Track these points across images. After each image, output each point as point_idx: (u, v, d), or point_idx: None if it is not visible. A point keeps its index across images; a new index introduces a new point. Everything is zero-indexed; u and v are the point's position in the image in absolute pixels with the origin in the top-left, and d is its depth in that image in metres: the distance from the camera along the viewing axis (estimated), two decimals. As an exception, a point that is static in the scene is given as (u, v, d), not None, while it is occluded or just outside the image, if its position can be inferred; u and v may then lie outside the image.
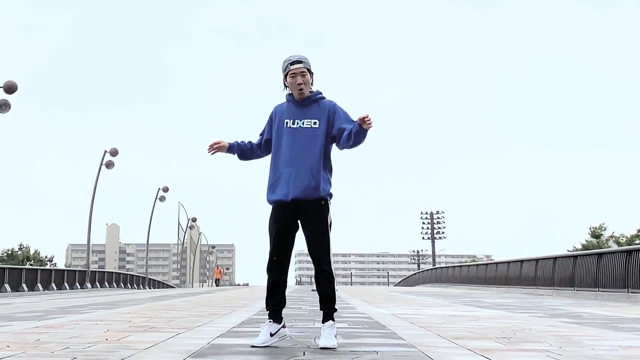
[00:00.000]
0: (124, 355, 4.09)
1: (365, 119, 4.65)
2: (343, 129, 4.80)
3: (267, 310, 4.80)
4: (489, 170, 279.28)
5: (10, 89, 21.94)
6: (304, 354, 4.29)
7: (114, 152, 33.77)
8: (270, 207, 4.86)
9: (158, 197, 48.16)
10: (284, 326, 4.80)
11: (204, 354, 4.28)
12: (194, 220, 61.11)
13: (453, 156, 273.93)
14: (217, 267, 60.23)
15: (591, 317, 8.92)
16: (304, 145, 4.76)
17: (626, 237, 49.90)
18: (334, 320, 4.76)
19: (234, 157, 5.05)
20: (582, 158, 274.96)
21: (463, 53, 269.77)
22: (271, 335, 4.70)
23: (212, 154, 4.96)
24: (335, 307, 4.81)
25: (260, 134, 5.05)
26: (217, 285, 54.80)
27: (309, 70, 4.86)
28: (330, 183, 4.85)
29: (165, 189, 48.25)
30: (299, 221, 4.79)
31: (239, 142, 5.02)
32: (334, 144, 4.90)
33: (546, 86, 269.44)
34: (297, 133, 4.80)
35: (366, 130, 4.71)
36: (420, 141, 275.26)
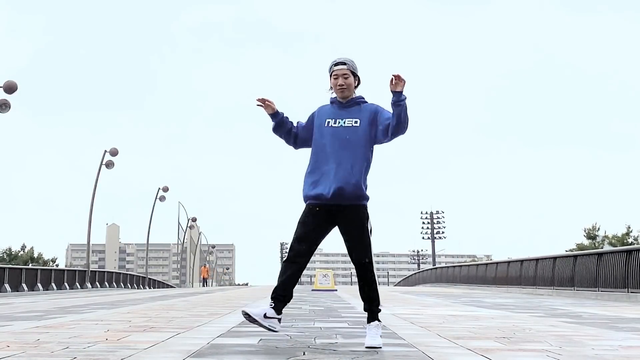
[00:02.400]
0: (124, 355, 4.09)
1: (395, 75, 4.67)
2: (387, 120, 4.81)
3: (271, 297, 4.75)
4: (488, 171, 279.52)
5: (10, 88, 21.94)
6: (304, 354, 4.29)
7: (114, 152, 33.76)
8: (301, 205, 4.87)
9: (158, 197, 48.17)
10: (279, 320, 4.74)
11: (204, 354, 4.28)
12: (194, 220, 61.04)
13: (453, 156, 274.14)
14: (205, 266, 57.68)
15: (591, 317, 8.92)
16: (345, 143, 4.78)
17: (617, 237, 49.83)
18: (379, 320, 4.76)
19: (268, 125, 5.03)
20: (583, 158, 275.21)
21: (462, 52, 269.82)
22: (265, 316, 4.65)
23: (257, 105, 4.98)
24: (380, 307, 4.81)
25: (298, 123, 5.02)
26: (204, 285, 52.83)
27: (354, 73, 4.88)
28: (366, 188, 4.83)
29: (165, 189, 48.26)
30: (333, 224, 4.79)
31: (285, 115, 5.02)
32: (383, 141, 4.85)
33: (545, 86, 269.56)
34: (338, 131, 4.82)
35: (400, 99, 4.66)
36: (420, 141, 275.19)
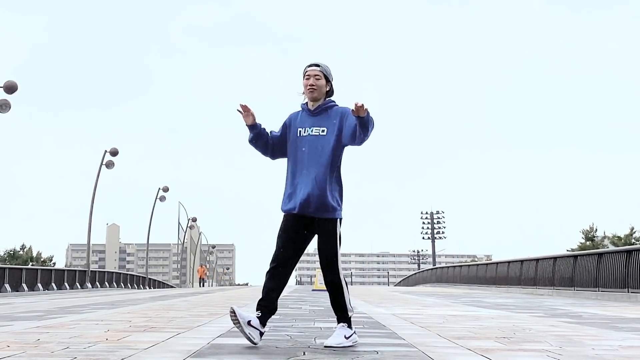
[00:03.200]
0: (124, 355, 4.09)
1: (358, 106, 4.56)
2: (350, 127, 4.76)
3: (258, 308, 4.74)
4: (488, 171, 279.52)
5: (11, 88, 21.94)
6: (304, 354, 4.29)
7: (114, 152, 33.76)
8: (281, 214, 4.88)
9: (158, 197, 48.17)
10: (261, 334, 4.68)
11: (204, 353, 4.28)
12: (194, 220, 61.01)
13: (453, 156, 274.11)
14: (202, 266, 56.40)
15: (591, 317, 8.92)
16: (311, 154, 4.75)
17: (619, 237, 49.78)
18: (346, 322, 4.75)
19: (245, 134, 4.94)
20: (584, 158, 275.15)
21: (461, 50, 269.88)
22: (249, 323, 4.58)
23: (237, 110, 4.85)
24: (349, 313, 4.80)
25: (272, 133, 4.96)
26: (201, 286, 51.74)
27: (326, 77, 4.84)
28: (340, 198, 4.81)
29: (165, 189, 48.25)
30: (310, 233, 4.80)
31: (262, 126, 4.95)
32: (351, 145, 4.81)
33: (545, 86, 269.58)
34: (307, 141, 4.79)
35: (366, 120, 4.59)
36: (420, 141, 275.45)
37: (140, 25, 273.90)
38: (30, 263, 60.25)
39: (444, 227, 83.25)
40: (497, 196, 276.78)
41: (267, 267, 4.80)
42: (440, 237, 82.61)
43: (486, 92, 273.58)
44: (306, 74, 4.85)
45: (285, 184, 4.87)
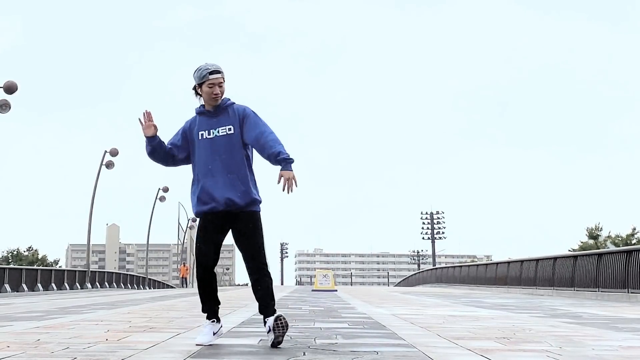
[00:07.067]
0: (124, 355, 4.10)
1: (286, 186, 4.61)
2: (258, 139, 4.71)
3: (205, 312, 4.84)
4: (489, 170, 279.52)
5: (10, 89, 21.95)
6: (304, 354, 4.29)
7: (114, 152, 33.78)
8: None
9: (158, 197, 48.19)
10: (221, 325, 4.90)
11: (204, 354, 4.28)
12: (194, 220, 60.61)
13: (453, 156, 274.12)
14: (184, 265, 53.74)
15: (591, 317, 8.92)
16: (223, 154, 4.72)
17: (621, 237, 49.85)
18: (275, 313, 4.65)
19: (144, 144, 4.86)
20: (586, 158, 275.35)
21: (459, 50, 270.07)
22: (214, 334, 4.79)
23: (139, 119, 4.80)
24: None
25: (170, 143, 4.87)
26: (184, 286, 50.25)
27: (224, 80, 4.80)
28: (257, 190, 4.81)
29: (165, 189, 48.26)
30: (228, 228, 4.80)
31: (160, 138, 4.86)
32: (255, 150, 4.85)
33: (546, 85, 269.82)
34: (214, 143, 4.74)
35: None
36: (420, 141, 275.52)
37: (138, 23, 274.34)
38: (35, 265, 60.34)
39: (444, 227, 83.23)
40: (497, 196, 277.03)
41: (197, 272, 4.79)
42: (440, 237, 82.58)
43: (486, 92, 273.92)
44: (209, 81, 4.71)
45: (195, 189, 4.77)
